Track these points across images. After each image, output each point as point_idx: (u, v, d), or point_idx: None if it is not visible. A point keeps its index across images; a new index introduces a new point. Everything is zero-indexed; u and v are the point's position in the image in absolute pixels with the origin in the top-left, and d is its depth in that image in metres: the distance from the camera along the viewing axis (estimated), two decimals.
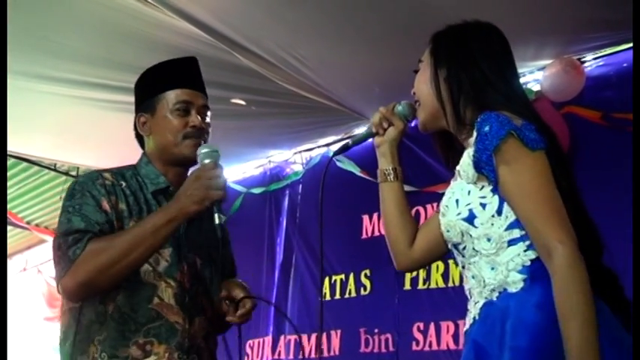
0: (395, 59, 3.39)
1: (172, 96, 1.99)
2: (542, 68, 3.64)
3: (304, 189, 5.04)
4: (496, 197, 1.50)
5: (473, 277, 1.56)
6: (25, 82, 3.73)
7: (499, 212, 1.50)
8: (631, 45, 3.42)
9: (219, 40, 3.34)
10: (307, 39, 3.44)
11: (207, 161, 1.83)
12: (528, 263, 1.48)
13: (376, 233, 4.32)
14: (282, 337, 4.73)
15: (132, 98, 3.91)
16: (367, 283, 4.38)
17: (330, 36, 3.39)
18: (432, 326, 3.93)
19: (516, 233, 1.49)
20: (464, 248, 1.57)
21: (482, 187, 1.52)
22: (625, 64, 3.48)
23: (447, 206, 1.59)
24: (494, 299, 1.50)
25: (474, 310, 1.55)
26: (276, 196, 5.17)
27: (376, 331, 4.22)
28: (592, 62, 3.63)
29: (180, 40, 3.40)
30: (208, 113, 2.04)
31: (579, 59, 3.61)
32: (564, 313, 1.35)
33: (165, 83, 2.01)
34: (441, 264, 3.93)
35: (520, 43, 3.39)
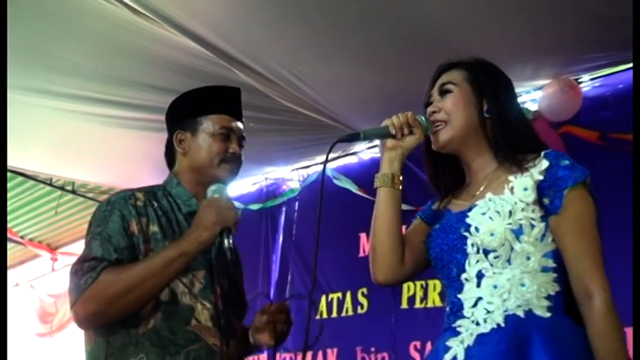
0: (394, 78, 3.43)
1: (217, 120, 2.04)
2: (540, 88, 3.67)
3: (301, 206, 5.04)
4: (543, 224, 1.58)
5: (494, 287, 1.57)
6: (22, 95, 3.73)
7: (542, 238, 1.58)
8: (628, 66, 3.47)
9: (219, 56, 3.36)
10: (306, 56, 3.47)
11: (217, 195, 1.89)
12: (553, 293, 1.57)
13: None
14: (277, 356, 4.71)
15: (130, 114, 4.02)
16: (364, 301, 4.37)
17: (330, 54, 3.42)
18: (428, 345, 3.93)
19: (550, 263, 1.58)
20: (496, 257, 1.58)
21: (534, 210, 1.59)
22: (621, 85, 3.52)
23: (498, 212, 1.59)
24: (522, 315, 1.53)
25: (492, 318, 1.55)
26: (272, 213, 5.17)
27: (372, 349, 4.21)
28: (589, 83, 3.66)
29: (180, 56, 3.42)
30: (243, 143, 2.11)
31: (576, 80, 3.64)
32: (603, 355, 1.46)
33: (212, 106, 2.07)
34: (438, 283, 3.93)
35: (518, 62, 3.44)
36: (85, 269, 1.78)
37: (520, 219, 1.57)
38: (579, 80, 3.65)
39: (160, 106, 3.85)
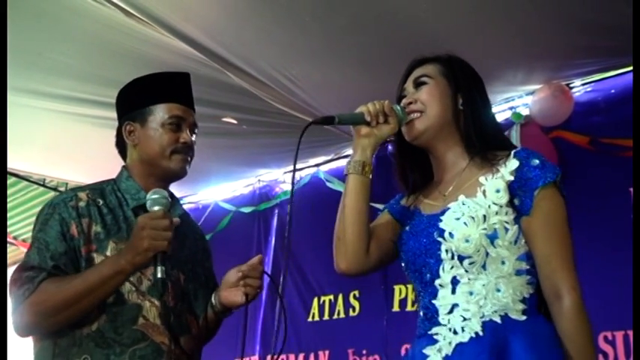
0: (387, 81, 3.38)
1: (166, 109, 1.98)
2: (531, 93, 3.68)
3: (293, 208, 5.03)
4: (516, 226, 1.58)
5: (470, 294, 1.55)
6: (15, 97, 3.71)
7: (515, 241, 1.57)
8: (619, 72, 3.48)
9: (212, 58, 3.35)
10: (300, 59, 3.46)
11: (155, 208, 1.79)
12: (527, 296, 1.56)
13: None
14: (268, 357, 4.70)
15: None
16: (356, 304, 4.37)
17: (322, 57, 3.42)
18: None
19: (524, 265, 1.57)
20: (471, 263, 1.56)
21: (507, 212, 1.57)
22: (613, 90, 3.54)
23: (472, 217, 1.58)
24: (498, 321, 1.52)
25: (470, 326, 1.53)
26: (264, 216, 5.16)
27: (364, 352, 4.20)
28: (580, 88, 3.67)
29: (172, 58, 3.40)
30: (196, 131, 2.05)
31: (568, 85, 3.64)
32: (574, 354, 1.48)
33: (159, 95, 2.00)
34: None
35: (510, 67, 3.45)
36: (24, 279, 1.78)
37: (494, 223, 1.56)
38: (570, 85, 3.66)
39: None
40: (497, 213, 1.56)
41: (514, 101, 3.78)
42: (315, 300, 4.53)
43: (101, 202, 1.92)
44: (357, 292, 4.36)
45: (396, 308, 4.12)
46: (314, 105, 3.86)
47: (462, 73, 1.76)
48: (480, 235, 1.55)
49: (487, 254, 1.55)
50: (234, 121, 4.13)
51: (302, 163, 4.99)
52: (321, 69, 3.52)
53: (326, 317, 4.48)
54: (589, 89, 3.65)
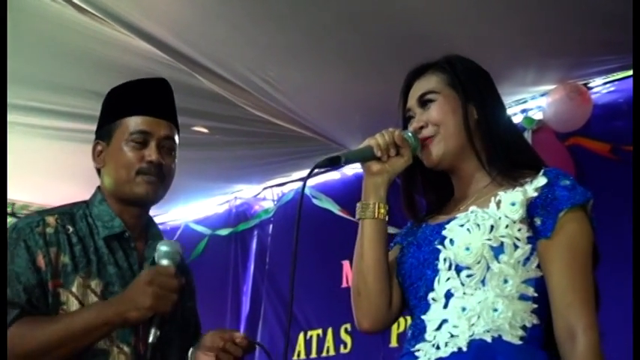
0: (378, 84, 3.44)
1: (130, 123, 1.95)
2: (545, 94, 3.69)
3: (275, 229, 5.03)
4: (529, 247, 1.57)
5: (463, 310, 1.56)
6: None
7: (524, 262, 1.57)
8: None
9: (178, 59, 3.35)
10: (279, 59, 3.47)
11: (165, 263, 1.79)
12: (529, 325, 1.55)
13: None
14: None
15: (80, 125, 3.99)
16: (348, 339, 4.36)
17: (306, 57, 3.43)
18: None
19: (530, 291, 1.56)
20: (469, 275, 1.57)
21: (520, 229, 1.57)
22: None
23: (477, 225, 1.58)
24: (489, 340, 1.52)
25: (454, 342, 1.54)
26: (242, 238, 5.15)
27: None
28: (600, 88, 3.69)
29: (134, 60, 3.41)
30: (174, 146, 2.01)
31: (585, 84, 3.66)
32: None
33: (125, 108, 1.97)
34: None
35: (519, 65, 3.47)
36: None
37: (502, 236, 1.56)
38: (588, 85, 3.67)
39: None
40: (507, 226, 1.56)
41: (525, 103, 3.80)
42: (301, 335, 4.51)
43: (71, 229, 1.89)
44: (348, 326, 4.35)
45: (394, 344, 4.11)
46: (296, 111, 3.87)
47: (469, 76, 1.75)
48: (482, 244, 1.55)
49: (488, 268, 1.56)
50: (206, 130, 4.13)
51: (284, 177, 5.00)
52: (303, 70, 3.53)
53: (313, 355, 4.46)
54: (611, 89, 3.66)
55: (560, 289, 1.53)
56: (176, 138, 2.02)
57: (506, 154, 1.69)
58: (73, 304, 1.82)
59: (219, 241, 5.12)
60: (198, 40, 3.28)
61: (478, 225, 1.58)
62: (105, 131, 1.98)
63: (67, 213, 1.94)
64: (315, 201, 4.59)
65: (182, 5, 3.09)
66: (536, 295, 1.56)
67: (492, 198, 1.62)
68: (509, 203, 1.59)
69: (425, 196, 1.84)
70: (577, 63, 3.50)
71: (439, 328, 1.57)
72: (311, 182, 4.77)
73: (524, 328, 1.53)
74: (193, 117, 3.93)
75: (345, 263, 4.44)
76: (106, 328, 1.76)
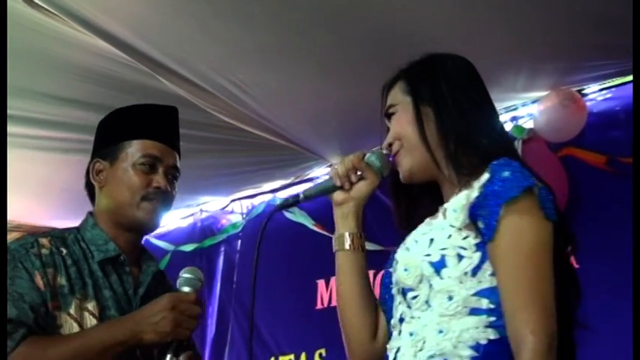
0: (356, 88, 3.44)
1: (140, 147, 2.07)
2: (536, 101, 3.71)
3: (244, 245, 5.01)
4: (478, 254, 1.54)
5: (410, 335, 1.56)
6: None
7: (474, 273, 1.53)
8: None
9: (138, 59, 3.32)
10: (249, 61, 3.46)
11: (187, 289, 1.92)
12: (484, 342, 1.50)
13: (334, 303, 4.30)
14: None
15: (27, 130, 3.95)
16: None
17: (278, 58, 3.41)
18: None
19: (484, 304, 1.52)
20: (414, 297, 1.57)
21: (467, 237, 1.55)
22: None
23: (416, 241, 1.60)
24: None
25: None
26: (208, 255, 5.13)
27: None
28: (596, 95, 3.71)
29: (91, 60, 3.39)
30: (177, 177, 2.15)
31: (579, 91, 3.68)
32: None
33: (134, 130, 2.09)
34: None
35: (509, 70, 3.48)
36: None
37: (443, 249, 1.54)
38: (583, 92, 3.69)
39: (67, 122, 3.86)
40: (450, 236, 1.55)
41: (515, 111, 3.81)
42: None
43: (64, 251, 1.98)
44: (323, 351, 4.33)
45: None
46: (268, 117, 3.86)
47: (423, 74, 1.75)
48: (420, 262, 1.55)
49: (431, 286, 1.55)
50: None
51: (254, 189, 4.99)
52: (274, 72, 3.52)
53: None
54: (607, 96, 3.68)
55: (506, 295, 1.49)
56: (179, 168, 2.16)
57: (463, 151, 1.65)
58: (72, 327, 1.89)
59: (182, 257, 5.08)
60: (160, 39, 3.25)
61: (416, 241, 1.59)
62: (109, 151, 2.10)
63: (58, 236, 2.02)
64: (288, 215, 4.57)
65: (143, 1, 3.06)
66: (492, 306, 1.51)
67: (440, 207, 1.63)
68: (452, 210, 1.57)
69: (417, 211, 1.83)
70: (571, 68, 3.52)
71: (395, 357, 1.60)
72: (283, 194, 4.78)
73: (476, 346, 1.49)
74: None
75: (320, 282, 4.43)
76: (120, 348, 1.84)
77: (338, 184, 1.76)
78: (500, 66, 3.40)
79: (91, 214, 2.12)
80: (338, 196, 1.77)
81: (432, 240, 1.56)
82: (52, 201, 4.53)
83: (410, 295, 1.58)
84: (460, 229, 1.55)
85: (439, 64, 1.76)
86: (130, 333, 1.83)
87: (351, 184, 1.76)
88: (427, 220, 1.65)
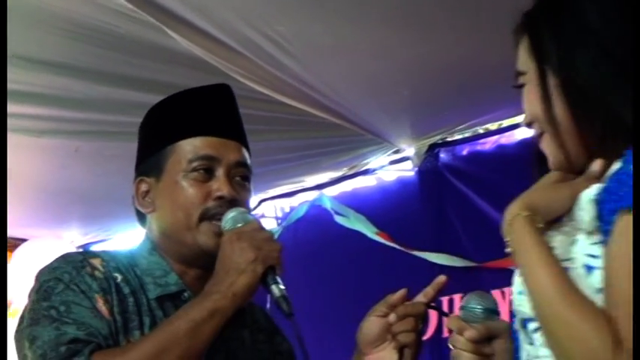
0: (437, 43, 3.41)
1: (188, 149, 2.09)
2: None
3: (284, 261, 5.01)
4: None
5: None
6: None
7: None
8: None
9: (146, 10, 3.32)
10: (290, 10, 3.44)
11: (240, 225, 1.97)
12: None
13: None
14: None
15: (21, 109, 3.98)
16: None
17: (329, 6, 3.39)
18: None
19: None
20: (535, 329, 1.57)
21: (595, 242, 1.51)
22: None
23: None
24: None
25: None
26: None
27: None
28: None
29: (88, 13, 3.42)
30: (249, 176, 2.15)
31: None
32: None
33: (178, 129, 2.12)
34: None
35: None
36: (64, 353, 1.81)
37: (568, 259, 1.54)
38: None
39: (45, 93, 3.88)
40: (574, 243, 1.55)
41: None
42: None
43: (119, 277, 2.02)
44: None
45: None
46: (312, 83, 3.88)
47: (549, 27, 1.68)
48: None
49: None
50: None
51: (292, 184, 4.98)
52: (323, 23, 3.51)
53: None
54: None
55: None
56: (250, 164, 2.17)
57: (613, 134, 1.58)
58: None
59: None
60: None
61: None
62: (151, 163, 2.14)
63: (111, 258, 2.08)
64: (338, 219, 4.59)
65: None
66: None
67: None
68: (580, 209, 1.55)
69: None
70: None
71: None
72: (331, 191, 4.77)
73: None
74: (166, 92, 3.90)
75: None
76: (217, 319, 1.87)
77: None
78: None
79: (147, 237, 2.16)
80: None
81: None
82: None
83: (531, 327, 1.59)
84: (587, 233, 1.53)
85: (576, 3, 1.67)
86: (218, 296, 1.87)
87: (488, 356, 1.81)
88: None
